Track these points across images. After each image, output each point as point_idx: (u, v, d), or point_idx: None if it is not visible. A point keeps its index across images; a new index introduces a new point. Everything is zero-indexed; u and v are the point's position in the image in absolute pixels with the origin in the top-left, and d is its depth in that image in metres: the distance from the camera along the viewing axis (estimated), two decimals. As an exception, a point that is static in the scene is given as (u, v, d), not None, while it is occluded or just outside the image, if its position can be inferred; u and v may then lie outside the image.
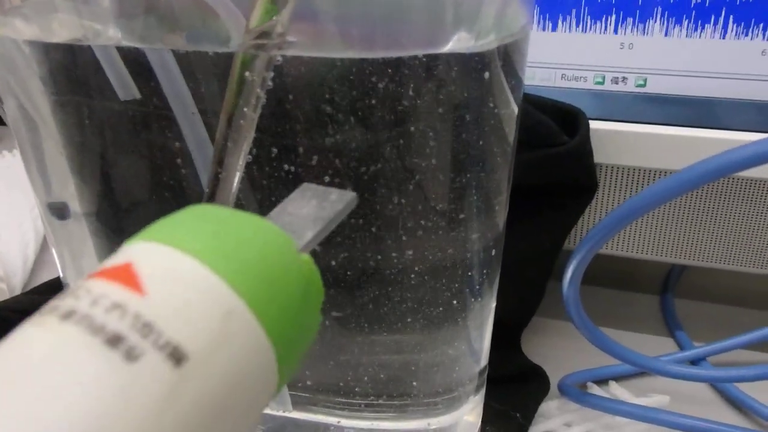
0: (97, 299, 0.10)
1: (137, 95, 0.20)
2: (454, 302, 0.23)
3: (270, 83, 0.17)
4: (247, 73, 0.16)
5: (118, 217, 0.23)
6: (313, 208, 0.15)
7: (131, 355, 0.09)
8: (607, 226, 0.20)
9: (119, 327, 0.10)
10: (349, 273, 0.21)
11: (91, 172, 0.22)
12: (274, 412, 0.25)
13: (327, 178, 0.19)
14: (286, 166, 0.19)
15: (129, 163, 0.21)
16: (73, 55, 0.20)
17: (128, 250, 0.11)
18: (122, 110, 0.20)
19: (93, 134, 0.21)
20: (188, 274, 0.11)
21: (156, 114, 0.20)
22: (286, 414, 0.25)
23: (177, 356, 0.10)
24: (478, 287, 0.23)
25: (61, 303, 0.10)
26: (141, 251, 0.11)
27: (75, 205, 0.23)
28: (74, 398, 0.09)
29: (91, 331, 0.09)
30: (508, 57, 0.20)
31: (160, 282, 0.10)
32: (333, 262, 0.21)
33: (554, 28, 0.32)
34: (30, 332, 0.10)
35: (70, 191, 0.23)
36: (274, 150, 0.19)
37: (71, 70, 0.20)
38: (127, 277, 0.10)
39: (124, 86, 0.20)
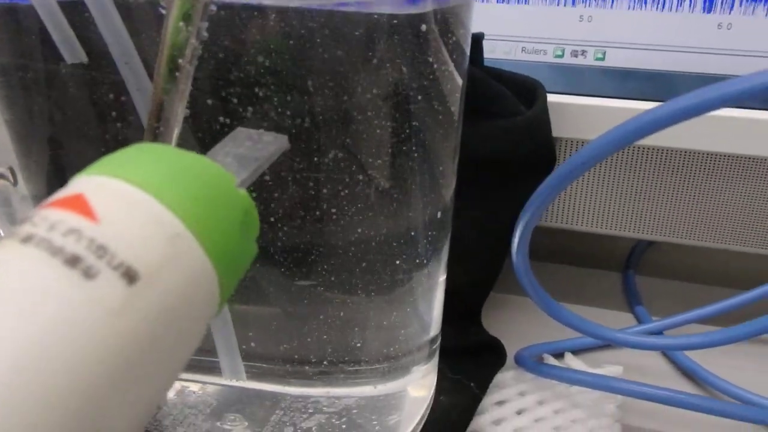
0: (53, 225, 0.11)
1: (84, 59, 0.20)
2: (399, 272, 0.23)
3: (205, 34, 0.17)
4: (181, 23, 0.16)
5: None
6: (248, 149, 0.16)
7: (88, 274, 0.10)
8: (547, 189, 0.20)
9: (76, 249, 0.10)
10: (292, 242, 0.21)
11: (35, 143, 0.22)
12: (229, 383, 0.25)
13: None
14: (220, 120, 0.19)
15: (73, 130, 0.21)
16: (14, 14, 0.20)
17: (77, 183, 0.12)
18: (67, 74, 0.20)
19: (36, 101, 0.21)
20: (136, 203, 0.12)
21: (101, 77, 0.20)
22: (240, 384, 0.25)
23: (130, 275, 0.11)
24: (423, 257, 0.23)
25: (18, 229, 0.11)
26: (90, 183, 0.12)
27: (21, 186, 0.23)
28: (39, 311, 0.10)
29: (51, 253, 0.10)
30: (447, 24, 0.20)
31: (110, 210, 0.11)
32: (278, 233, 0.21)
33: (514, 1, 0.33)
34: None
35: (11, 159, 0.22)
36: (210, 103, 0.19)
37: (13, 31, 0.20)
38: (80, 206, 0.11)
39: (71, 48, 0.20)
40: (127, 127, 0.20)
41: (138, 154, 0.13)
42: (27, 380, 0.09)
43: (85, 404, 0.10)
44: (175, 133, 0.18)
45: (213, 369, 0.24)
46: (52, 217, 0.11)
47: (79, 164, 0.21)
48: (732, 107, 0.31)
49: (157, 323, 0.11)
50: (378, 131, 0.20)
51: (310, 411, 0.25)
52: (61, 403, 0.09)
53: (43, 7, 0.19)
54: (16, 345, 0.09)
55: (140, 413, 0.11)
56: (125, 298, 0.11)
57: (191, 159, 0.13)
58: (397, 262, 0.22)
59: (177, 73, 0.17)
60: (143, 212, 0.12)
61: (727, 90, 0.14)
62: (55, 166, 0.22)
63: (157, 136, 0.18)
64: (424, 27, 0.19)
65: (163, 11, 0.18)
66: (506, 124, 0.30)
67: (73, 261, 0.10)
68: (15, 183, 0.23)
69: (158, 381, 0.12)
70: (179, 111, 0.17)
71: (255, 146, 0.16)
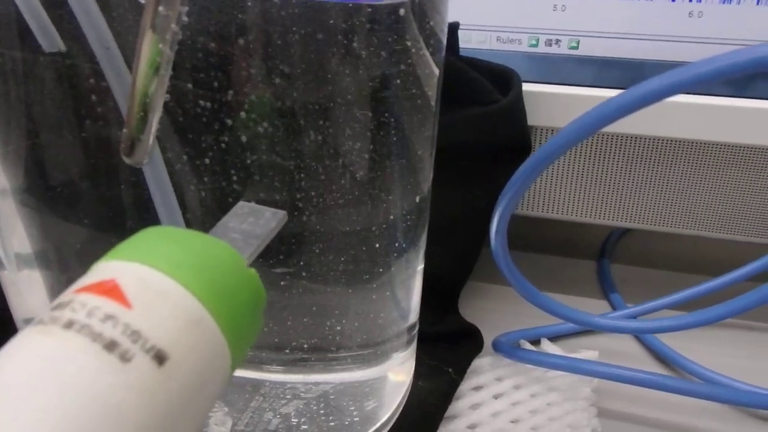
0: (91, 311, 0.12)
1: (62, 47, 0.19)
2: (378, 260, 0.23)
3: (185, 18, 0.17)
4: (161, 8, 0.16)
5: (45, 183, 0.22)
6: (251, 225, 0.17)
7: (125, 357, 0.11)
8: (526, 172, 0.20)
9: (113, 334, 0.12)
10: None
11: (14, 132, 0.22)
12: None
13: (229, 121, 0.19)
14: (201, 105, 0.19)
15: (52, 119, 0.21)
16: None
17: (107, 267, 0.13)
18: (45, 63, 0.20)
19: (14, 89, 0.21)
20: (164, 290, 0.13)
21: (79, 68, 0.19)
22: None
23: (160, 357, 0.12)
24: (401, 245, 0.24)
25: (59, 314, 0.12)
26: (120, 269, 0.13)
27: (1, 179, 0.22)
28: (84, 392, 0.11)
29: (91, 338, 0.11)
30: (424, 14, 0.20)
31: (141, 296, 0.13)
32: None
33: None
34: (38, 339, 0.12)
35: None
36: (188, 90, 0.19)
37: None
38: (113, 292, 0.12)
39: (47, 36, 0.19)
40: (106, 116, 0.20)
41: (157, 239, 0.14)
42: None
43: None
44: (156, 118, 0.18)
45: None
46: (89, 303, 0.12)
47: (57, 154, 0.21)
48: (700, 94, 0.32)
49: (182, 400, 0.12)
50: (356, 119, 0.20)
51: (289, 397, 0.25)
52: None
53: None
54: (64, 428, 0.10)
55: None
56: (156, 379, 0.12)
57: (207, 242, 0.15)
58: (376, 249, 0.23)
59: (157, 58, 0.17)
60: (171, 298, 0.13)
61: (680, 77, 0.15)
62: (33, 156, 0.22)
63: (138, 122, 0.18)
64: (401, 13, 0.19)
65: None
66: (482, 112, 0.31)
67: (111, 346, 0.11)
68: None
69: None
70: (160, 97, 0.17)
71: (257, 222, 0.17)
